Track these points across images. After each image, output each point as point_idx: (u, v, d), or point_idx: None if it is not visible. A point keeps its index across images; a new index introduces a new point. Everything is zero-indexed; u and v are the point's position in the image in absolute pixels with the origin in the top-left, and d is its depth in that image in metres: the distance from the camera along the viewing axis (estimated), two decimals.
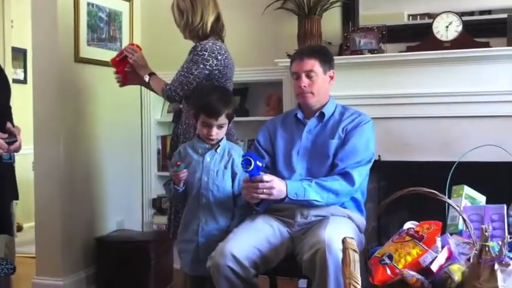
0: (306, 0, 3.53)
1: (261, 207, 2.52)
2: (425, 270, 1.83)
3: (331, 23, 3.64)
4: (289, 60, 3.45)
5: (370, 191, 2.61)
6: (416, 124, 3.34)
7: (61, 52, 3.50)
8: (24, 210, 4.91)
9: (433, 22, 3.29)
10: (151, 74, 3.09)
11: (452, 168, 2.53)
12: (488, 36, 3.26)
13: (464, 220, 1.93)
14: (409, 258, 1.86)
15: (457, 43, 3.22)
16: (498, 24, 3.25)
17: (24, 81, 5.81)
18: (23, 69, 5.88)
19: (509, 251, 1.90)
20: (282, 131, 2.74)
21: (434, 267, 1.83)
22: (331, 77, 2.68)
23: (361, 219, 2.59)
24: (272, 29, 3.84)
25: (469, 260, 1.87)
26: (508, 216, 2.22)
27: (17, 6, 5.00)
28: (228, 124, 2.60)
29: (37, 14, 3.52)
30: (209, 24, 2.96)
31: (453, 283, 1.75)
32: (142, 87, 3.67)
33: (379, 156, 2.75)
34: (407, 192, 1.92)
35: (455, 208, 1.97)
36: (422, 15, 3.58)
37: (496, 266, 1.67)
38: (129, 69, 3.14)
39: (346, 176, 2.49)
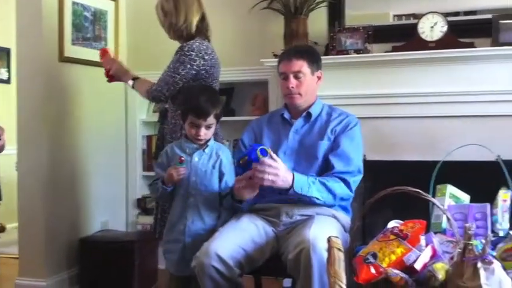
0: (292, 0, 3.54)
1: (245, 205, 2.52)
2: (409, 269, 1.83)
3: (317, 23, 3.65)
4: (275, 60, 3.45)
5: (356, 191, 2.61)
6: (402, 124, 3.36)
7: (45, 51, 3.47)
8: (7, 210, 4.87)
9: (418, 22, 3.31)
10: (135, 79, 3.09)
11: (437, 168, 2.54)
12: (473, 36, 3.28)
13: (448, 219, 1.93)
14: (393, 257, 1.86)
15: (442, 43, 3.24)
16: (483, 24, 3.27)
17: (8, 81, 5.77)
18: (7, 69, 5.83)
19: (492, 250, 1.92)
20: (268, 131, 2.74)
21: (418, 266, 1.83)
22: (319, 78, 2.69)
23: (346, 219, 2.59)
24: (258, 29, 3.84)
25: (452, 258, 1.87)
26: (491, 215, 2.23)
27: (1, 5, 4.97)
28: (216, 124, 2.60)
29: (21, 13, 3.48)
30: (194, 25, 2.95)
31: (437, 281, 1.75)
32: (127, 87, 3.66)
33: (364, 155, 2.75)
34: (391, 191, 1.92)
35: (439, 207, 1.98)
36: (408, 16, 3.60)
37: (479, 264, 1.67)
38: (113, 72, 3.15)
39: (346, 183, 2.52)
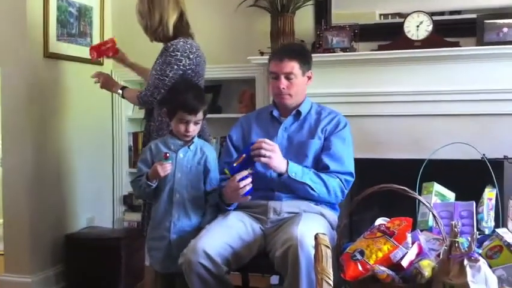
0: None
1: (232, 207, 2.54)
2: (396, 266, 1.85)
3: (304, 21, 3.65)
4: (262, 58, 3.47)
5: None
6: (388, 122, 3.37)
7: (30, 47, 3.44)
8: None
9: (404, 22, 3.33)
10: (123, 88, 3.08)
11: (423, 166, 2.56)
12: (458, 35, 3.31)
13: (434, 216, 1.96)
14: (380, 254, 1.87)
15: (428, 42, 3.26)
16: (468, 24, 3.30)
17: None
18: None
19: (477, 247, 1.94)
20: (256, 128, 2.74)
21: (404, 263, 1.85)
22: (309, 78, 2.70)
23: (333, 216, 2.60)
24: (245, 26, 3.84)
25: (439, 255, 1.90)
26: (477, 213, 2.26)
27: None
28: (203, 120, 2.60)
29: (5, 8, 3.44)
30: (170, 26, 2.90)
31: (423, 278, 1.77)
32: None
33: None
34: (378, 189, 1.93)
35: (425, 205, 2.00)
36: (394, 15, 3.61)
37: (465, 262, 1.69)
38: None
39: (341, 181, 2.54)
